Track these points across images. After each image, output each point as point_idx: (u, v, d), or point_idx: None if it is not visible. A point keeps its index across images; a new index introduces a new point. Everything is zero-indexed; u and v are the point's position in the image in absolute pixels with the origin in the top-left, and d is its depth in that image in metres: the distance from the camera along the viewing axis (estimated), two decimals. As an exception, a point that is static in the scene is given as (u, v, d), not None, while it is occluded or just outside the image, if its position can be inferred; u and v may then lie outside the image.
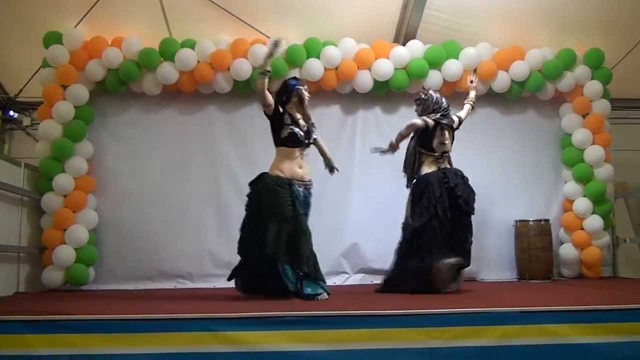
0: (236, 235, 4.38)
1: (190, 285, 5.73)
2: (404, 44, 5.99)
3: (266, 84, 4.19)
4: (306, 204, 4.31)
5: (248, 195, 4.36)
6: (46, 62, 5.63)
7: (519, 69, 5.96)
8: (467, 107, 5.02)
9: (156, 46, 5.66)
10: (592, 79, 6.06)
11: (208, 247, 5.78)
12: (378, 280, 5.70)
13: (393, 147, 4.76)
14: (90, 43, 5.66)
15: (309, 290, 4.13)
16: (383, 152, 4.76)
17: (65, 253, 5.37)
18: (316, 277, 4.26)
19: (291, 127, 4.23)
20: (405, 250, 4.65)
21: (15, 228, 5.32)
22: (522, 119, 6.32)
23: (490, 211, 5.90)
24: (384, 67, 5.81)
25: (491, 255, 6.01)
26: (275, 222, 4.10)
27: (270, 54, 4.19)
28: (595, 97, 6.05)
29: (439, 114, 4.73)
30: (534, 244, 5.84)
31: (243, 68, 5.64)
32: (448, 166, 4.76)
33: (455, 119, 4.84)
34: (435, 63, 5.91)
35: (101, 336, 3.02)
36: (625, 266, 6.32)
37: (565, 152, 6.17)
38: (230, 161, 5.92)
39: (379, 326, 3.07)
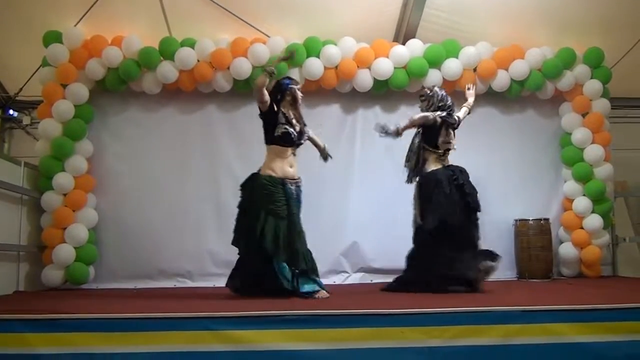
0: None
1: (190, 284, 5.73)
2: (403, 43, 5.99)
3: (266, 83, 4.21)
4: (298, 202, 4.35)
5: (241, 196, 4.39)
6: (46, 61, 5.63)
7: (519, 68, 5.96)
8: (464, 109, 4.98)
9: (156, 45, 5.66)
10: (591, 78, 6.07)
11: (208, 246, 5.78)
12: (378, 279, 5.72)
13: (398, 133, 4.54)
14: (90, 42, 5.66)
15: (306, 288, 4.14)
16: (386, 133, 4.51)
17: (65, 252, 5.37)
18: (313, 272, 4.28)
19: (285, 126, 4.25)
20: (419, 252, 4.62)
21: (15, 227, 5.33)
22: (521, 118, 6.32)
23: (490, 210, 5.85)
24: (384, 66, 5.81)
25: (491, 254, 6.01)
26: (272, 221, 4.13)
27: (282, 59, 4.26)
28: (595, 96, 6.05)
29: (445, 112, 4.70)
30: (533, 243, 5.85)
31: (243, 67, 5.64)
32: (451, 164, 4.76)
33: (456, 118, 4.84)
34: (435, 62, 5.91)
35: (101, 335, 3.01)
36: (625, 265, 6.33)
37: (565, 151, 6.17)
38: (230, 160, 5.92)
39: (379, 325, 3.06)
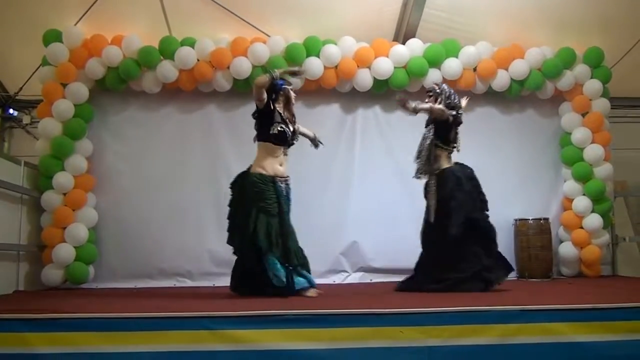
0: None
1: (189, 283, 5.74)
2: (403, 43, 5.99)
3: (267, 84, 4.22)
4: (288, 200, 4.37)
5: (232, 194, 4.42)
6: (46, 60, 5.63)
7: (519, 67, 5.96)
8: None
9: (156, 44, 5.66)
10: (591, 77, 6.07)
11: (207, 245, 5.77)
12: (377, 279, 5.73)
13: (415, 110, 4.51)
14: (90, 41, 5.66)
15: (296, 284, 4.16)
16: (403, 105, 4.48)
17: (65, 251, 5.37)
18: (304, 267, 4.29)
19: (282, 125, 4.27)
20: (430, 249, 4.61)
21: (15, 226, 5.33)
22: (521, 118, 6.32)
23: (490, 209, 5.88)
24: (384, 66, 5.81)
25: (491, 253, 6.00)
26: (263, 218, 4.14)
27: (290, 72, 4.40)
28: (595, 96, 6.05)
29: (455, 111, 4.67)
30: (533, 242, 5.85)
31: (243, 66, 5.64)
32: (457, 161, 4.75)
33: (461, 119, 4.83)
34: (435, 62, 5.91)
35: (101, 334, 3.01)
36: (625, 265, 6.33)
37: (565, 150, 6.17)
38: (230, 159, 5.90)
39: (379, 324, 3.06)
